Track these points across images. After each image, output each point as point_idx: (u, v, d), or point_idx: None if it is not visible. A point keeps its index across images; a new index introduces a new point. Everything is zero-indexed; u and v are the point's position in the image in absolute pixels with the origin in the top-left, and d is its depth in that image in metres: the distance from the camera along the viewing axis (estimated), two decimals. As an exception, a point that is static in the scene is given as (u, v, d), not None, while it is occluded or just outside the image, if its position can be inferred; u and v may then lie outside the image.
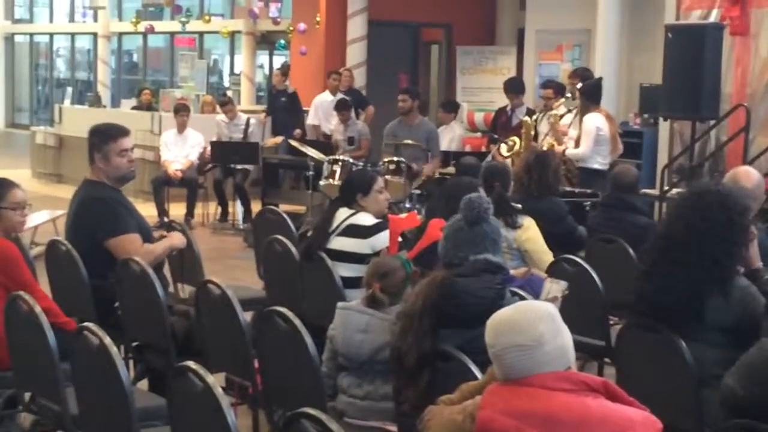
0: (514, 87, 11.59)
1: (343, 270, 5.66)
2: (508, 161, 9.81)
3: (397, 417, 4.14)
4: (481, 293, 3.99)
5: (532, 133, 10.21)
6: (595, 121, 9.40)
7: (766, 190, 5.86)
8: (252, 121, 13.89)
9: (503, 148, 10.34)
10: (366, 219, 5.87)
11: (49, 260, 5.96)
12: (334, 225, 5.83)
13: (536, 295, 4.82)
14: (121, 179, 5.76)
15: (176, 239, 5.88)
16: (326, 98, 14.23)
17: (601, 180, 8.88)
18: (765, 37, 10.88)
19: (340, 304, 4.60)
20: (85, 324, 4.08)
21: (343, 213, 5.87)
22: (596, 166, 9.39)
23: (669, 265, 4.21)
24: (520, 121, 10.59)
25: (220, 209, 13.33)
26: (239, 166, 12.97)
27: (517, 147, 10.14)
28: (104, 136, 5.72)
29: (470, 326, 3.84)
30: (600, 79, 10.25)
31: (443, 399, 3.30)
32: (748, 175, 5.39)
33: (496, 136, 11.26)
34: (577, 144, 9.51)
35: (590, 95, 9.62)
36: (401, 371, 3.93)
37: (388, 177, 10.11)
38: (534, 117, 10.56)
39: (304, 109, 14.73)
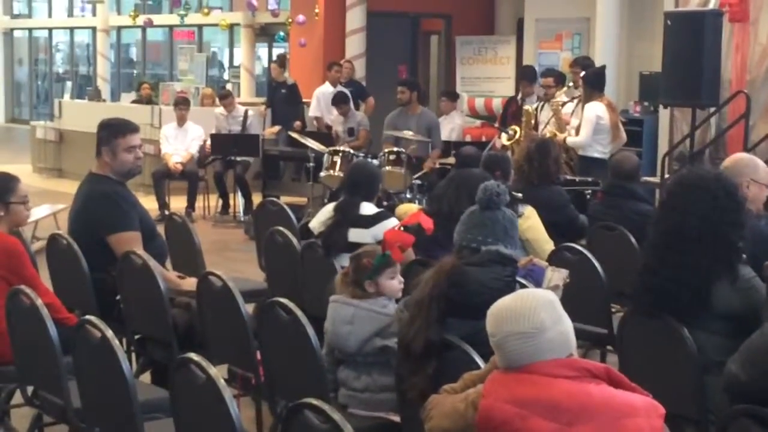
0: (528, 75, 11.57)
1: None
2: (509, 150, 9.81)
3: (400, 406, 4.13)
4: (490, 284, 3.99)
5: (533, 122, 10.20)
6: (595, 109, 9.40)
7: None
8: (250, 113, 13.88)
9: (503, 137, 10.33)
10: (368, 209, 5.87)
11: (50, 254, 5.95)
12: (333, 216, 5.87)
13: (538, 285, 4.82)
14: (126, 174, 5.78)
15: (188, 283, 5.63)
16: (327, 90, 14.22)
17: (601, 168, 8.87)
18: (764, 23, 10.87)
19: (331, 297, 4.59)
20: (87, 317, 4.07)
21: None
22: (596, 154, 9.39)
23: (677, 257, 4.19)
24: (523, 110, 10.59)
25: (221, 202, 13.34)
26: (240, 159, 12.96)
27: (517, 136, 10.14)
28: (113, 130, 5.73)
29: (476, 317, 3.83)
30: (603, 67, 10.24)
31: (446, 388, 3.30)
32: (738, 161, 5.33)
33: (496, 125, 11.25)
34: (578, 132, 9.50)
35: (593, 83, 9.61)
36: (407, 358, 3.93)
37: (388, 168, 10.10)
38: (535, 106, 10.56)
39: (304, 100, 14.73)
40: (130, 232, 5.58)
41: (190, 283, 5.54)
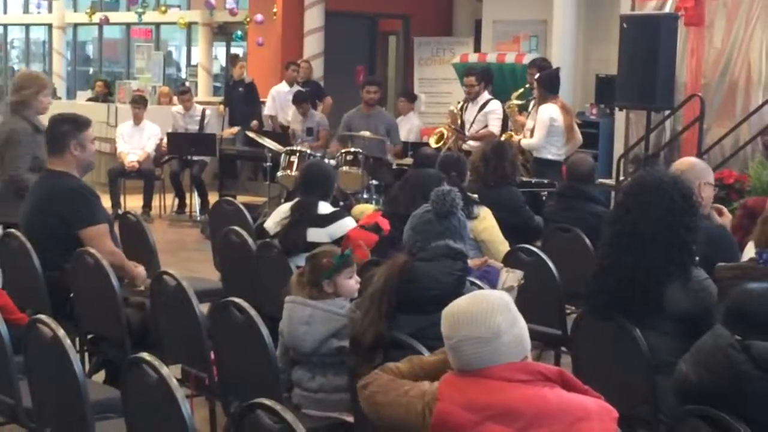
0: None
1: (301, 261, 5.62)
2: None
3: (354, 406, 4.13)
4: (441, 278, 4.00)
5: (459, 122, 10.29)
6: (549, 111, 9.43)
7: (716, 178, 5.88)
8: (207, 112, 13.82)
9: (432, 140, 10.43)
10: (324, 208, 5.86)
11: (2, 251, 5.89)
12: (290, 215, 5.85)
13: (492, 286, 4.83)
14: (86, 168, 5.83)
15: (140, 273, 5.74)
16: (283, 89, 14.20)
17: (556, 170, 8.92)
18: (719, 27, 10.97)
19: (287, 297, 4.58)
20: (38, 316, 4.04)
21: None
22: (550, 156, 9.41)
23: (631, 258, 4.22)
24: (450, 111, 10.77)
25: (177, 201, 13.28)
26: (196, 158, 12.90)
27: (445, 137, 10.25)
28: (77, 124, 5.77)
29: (427, 312, 3.84)
30: (557, 69, 10.29)
31: (390, 367, 3.28)
32: (690, 165, 5.36)
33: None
34: (532, 134, 9.54)
35: (547, 85, 9.64)
36: (357, 351, 3.93)
37: (345, 168, 10.08)
38: (459, 106, 10.65)
39: (262, 99, 14.69)
40: (101, 225, 5.63)
41: (142, 273, 5.66)
